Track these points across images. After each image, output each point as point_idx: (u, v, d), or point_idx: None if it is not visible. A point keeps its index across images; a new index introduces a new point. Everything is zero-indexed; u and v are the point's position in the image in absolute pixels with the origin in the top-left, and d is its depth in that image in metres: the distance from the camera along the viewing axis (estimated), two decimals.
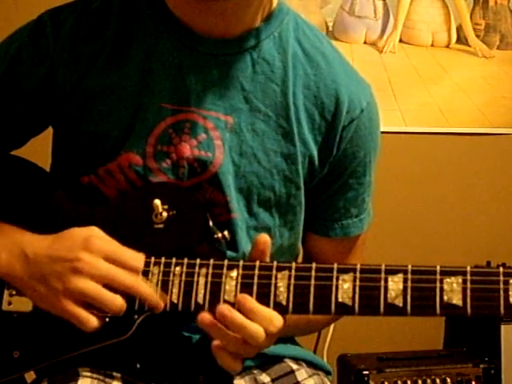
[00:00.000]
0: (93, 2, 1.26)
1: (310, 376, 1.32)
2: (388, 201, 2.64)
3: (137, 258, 1.09)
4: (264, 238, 1.10)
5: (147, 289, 1.08)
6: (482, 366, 2.39)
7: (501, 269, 1.01)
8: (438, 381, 2.35)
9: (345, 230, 1.34)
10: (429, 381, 2.35)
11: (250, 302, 1.06)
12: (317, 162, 1.26)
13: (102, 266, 1.06)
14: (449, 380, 2.35)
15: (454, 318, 2.68)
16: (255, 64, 1.23)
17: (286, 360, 1.33)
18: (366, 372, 2.33)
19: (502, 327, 2.45)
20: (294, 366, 1.32)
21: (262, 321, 1.05)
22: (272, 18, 1.25)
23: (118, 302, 1.06)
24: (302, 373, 1.31)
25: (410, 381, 2.35)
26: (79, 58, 1.23)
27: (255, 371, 1.29)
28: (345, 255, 1.36)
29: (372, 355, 2.46)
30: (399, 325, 2.66)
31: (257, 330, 1.04)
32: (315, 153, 1.25)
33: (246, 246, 1.25)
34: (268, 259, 1.10)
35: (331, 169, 1.28)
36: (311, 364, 1.36)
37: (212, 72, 1.22)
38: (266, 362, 1.31)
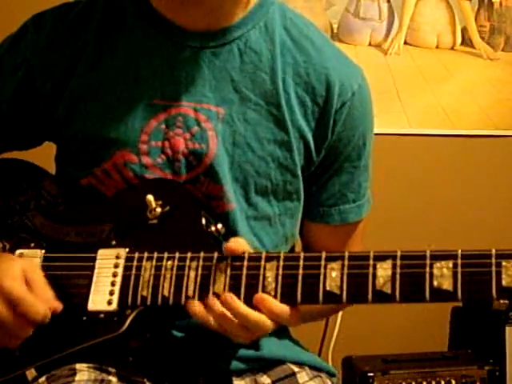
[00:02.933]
0: (77, 5, 1.28)
1: (311, 379, 1.31)
2: (392, 202, 2.64)
3: (37, 312, 1.09)
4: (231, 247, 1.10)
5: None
6: (486, 367, 2.39)
7: (493, 250, 0.99)
8: (442, 383, 2.35)
9: (342, 216, 1.33)
10: (433, 383, 2.35)
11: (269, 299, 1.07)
12: (313, 148, 1.27)
13: (1, 311, 1.08)
14: (453, 382, 2.35)
15: (459, 320, 2.68)
16: (242, 54, 1.24)
17: (288, 363, 1.31)
18: (371, 374, 2.33)
19: (507, 329, 2.45)
20: (296, 369, 1.31)
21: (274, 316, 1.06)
22: (257, 9, 1.26)
23: None
24: (303, 375, 1.30)
25: (415, 383, 2.35)
26: (58, 60, 1.25)
27: (256, 373, 1.29)
28: (344, 243, 1.36)
29: (377, 357, 2.46)
30: (404, 327, 2.66)
31: (260, 318, 1.06)
32: (310, 138, 1.26)
33: (247, 236, 1.25)
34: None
35: (327, 154, 1.28)
36: (314, 367, 1.35)
37: (200, 65, 1.23)
38: (267, 364, 1.30)
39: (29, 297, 1.09)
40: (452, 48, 2.78)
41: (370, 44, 2.72)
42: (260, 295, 1.07)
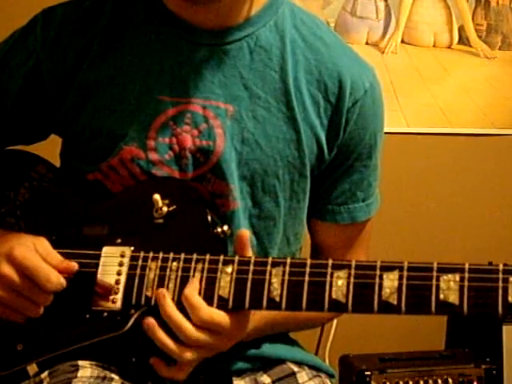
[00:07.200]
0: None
1: (310, 379, 1.31)
2: (390, 202, 2.63)
3: (51, 280, 1.10)
4: (244, 232, 1.13)
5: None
6: (483, 366, 2.39)
7: (500, 266, 0.99)
8: (439, 381, 2.35)
9: (352, 215, 1.33)
10: (430, 381, 2.35)
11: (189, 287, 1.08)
12: (325, 146, 1.27)
13: (14, 279, 1.10)
14: (450, 380, 2.35)
15: (456, 318, 2.68)
16: (252, 52, 1.24)
17: (288, 362, 1.32)
18: (368, 373, 2.33)
19: (504, 328, 2.45)
20: (296, 369, 1.32)
21: (190, 308, 1.07)
22: (267, 8, 1.26)
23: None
24: (302, 375, 1.31)
25: (412, 381, 2.35)
26: (67, 53, 1.25)
27: (256, 373, 1.29)
28: (352, 243, 1.36)
29: (374, 356, 2.46)
30: (401, 325, 2.66)
31: (183, 321, 1.07)
32: (323, 137, 1.26)
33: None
34: (250, 253, 1.12)
35: (338, 152, 1.28)
36: (313, 367, 1.35)
37: (210, 62, 1.23)
38: (267, 364, 1.31)
39: (42, 264, 1.11)
40: (449, 47, 2.78)
41: (367, 43, 2.72)
42: (186, 291, 1.08)
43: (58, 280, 1.11)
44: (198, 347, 1.09)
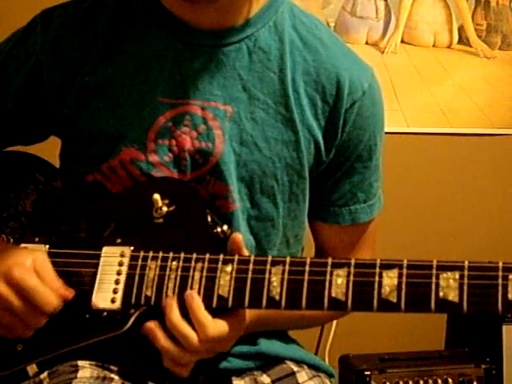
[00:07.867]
0: (86, 1, 1.28)
1: (310, 378, 1.31)
2: (389, 201, 2.63)
3: (49, 302, 1.10)
4: (237, 235, 1.13)
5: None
6: (483, 366, 2.39)
7: (500, 263, 0.99)
8: (439, 381, 2.35)
9: (353, 216, 1.33)
10: (430, 381, 2.35)
11: (196, 302, 1.08)
12: (323, 147, 1.26)
13: (12, 301, 1.09)
14: (450, 380, 2.35)
15: (456, 318, 2.68)
16: (251, 53, 1.24)
17: (287, 362, 1.32)
18: (368, 372, 2.33)
19: (504, 327, 2.44)
20: (295, 368, 1.31)
21: (196, 324, 1.07)
22: (266, 8, 1.26)
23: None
24: (302, 375, 1.31)
25: (412, 381, 2.35)
26: (66, 55, 1.25)
27: (256, 372, 1.29)
28: (355, 244, 1.36)
29: (374, 356, 2.46)
30: (401, 325, 2.66)
31: (189, 332, 1.07)
32: (320, 138, 1.26)
33: (245, 235, 1.25)
34: (246, 254, 1.12)
35: (337, 154, 1.28)
36: (313, 366, 1.35)
37: (209, 63, 1.23)
38: (266, 363, 1.30)
39: (40, 287, 1.10)
40: (449, 47, 2.78)
41: (366, 43, 2.72)
42: (190, 292, 1.08)
43: (56, 303, 1.11)
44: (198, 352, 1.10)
